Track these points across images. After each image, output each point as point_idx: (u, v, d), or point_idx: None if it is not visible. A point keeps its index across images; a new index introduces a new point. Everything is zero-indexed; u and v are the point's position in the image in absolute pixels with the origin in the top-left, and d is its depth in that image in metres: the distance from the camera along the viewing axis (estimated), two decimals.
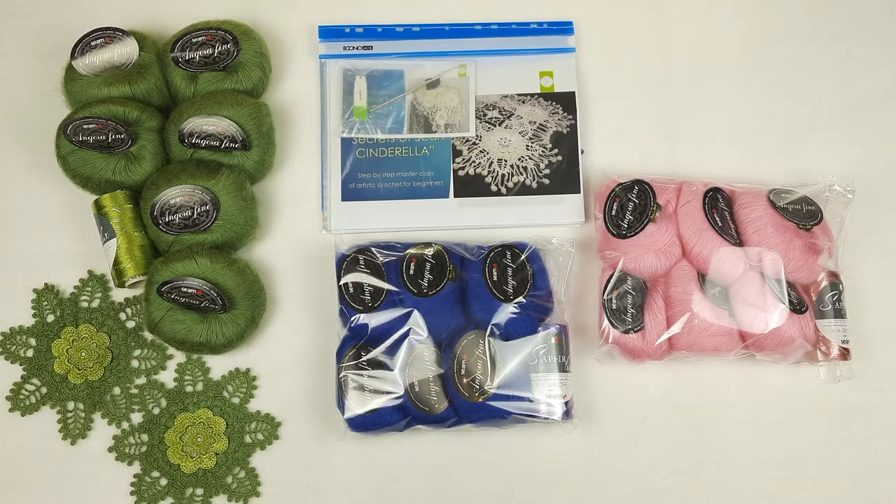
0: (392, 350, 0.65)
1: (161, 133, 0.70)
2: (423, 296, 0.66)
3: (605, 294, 0.67)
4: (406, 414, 0.65)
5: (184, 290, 0.64)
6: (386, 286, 0.67)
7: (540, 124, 0.75)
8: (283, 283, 0.72)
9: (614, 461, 0.69)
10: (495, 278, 0.67)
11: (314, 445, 0.68)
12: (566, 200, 0.73)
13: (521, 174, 0.73)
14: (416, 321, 0.66)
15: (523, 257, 0.68)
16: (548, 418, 0.65)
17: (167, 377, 0.69)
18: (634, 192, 0.69)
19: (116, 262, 0.68)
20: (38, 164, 0.72)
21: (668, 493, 0.68)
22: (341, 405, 0.65)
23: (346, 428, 0.65)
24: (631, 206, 0.68)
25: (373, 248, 0.68)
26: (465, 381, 0.65)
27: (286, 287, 0.72)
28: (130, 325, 0.70)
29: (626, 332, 0.66)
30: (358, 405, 0.64)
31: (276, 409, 0.69)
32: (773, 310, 0.66)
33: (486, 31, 0.77)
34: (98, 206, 0.68)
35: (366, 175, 0.73)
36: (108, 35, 0.70)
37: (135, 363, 0.70)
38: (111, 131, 0.67)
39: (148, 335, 0.70)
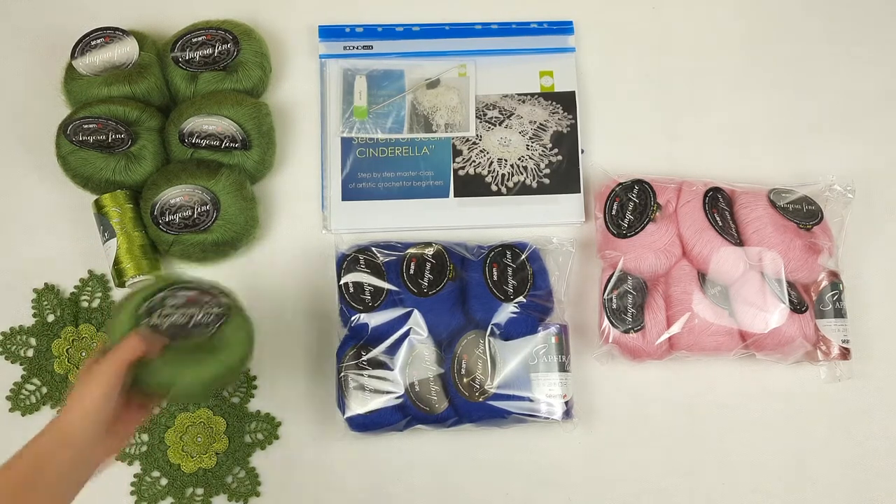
0: (392, 350, 0.65)
1: (161, 133, 0.70)
2: (423, 295, 0.66)
3: (606, 294, 0.67)
4: (406, 414, 0.65)
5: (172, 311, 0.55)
6: (386, 286, 0.67)
7: (540, 124, 0.75)
8: (283, 283, 0.72)
9: (614, 461, 0.69)
10: (495, 278, 0.67)
11: (314, 445, 0.68)
12: (566, 200, 0.73)
13: (522, 174, 0.73)
14: (417, 321, 0.66)
15: (523, 257, 0.68)
16: (548, 418, 0.65)
17: None
18: (634, 191, 0.69)
19: (117, 262, 0.68)
20: (39, 164, 0.72)
21: (667, 492, 0.68)
22: (341, 405, 0.65)
23: (347, 428, 0.65)
24: (631, 206, 0.68)
25: (373, 248, 0.68)
26: (465, 380, 0.65)
27: (286, 287, 0.71)
28: None
29: (627, 331, 0.66)
30: (358, 405, 0.64)
31: (275, 409, 0.69)
32: (773, 309, 0.65)
33: (486, 30, 0.77)
34: (98, 206, 0.68)
35: (366, 175, 0.73)
36: (109, 35, 0.70)
37: None
38: (111, 131, 0.67)
39: None
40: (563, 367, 0.65)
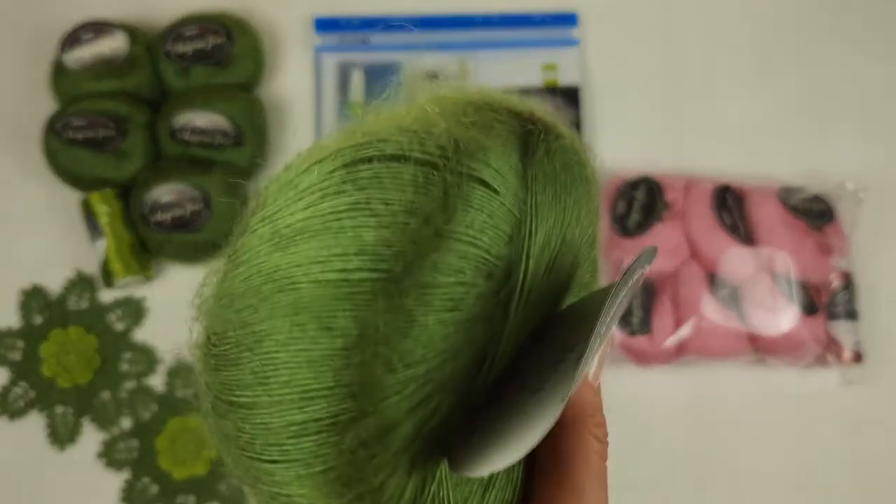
0: None
1: (152, 129, 0.68)
2: None
3: None
4: None
5: None
6: None
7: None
8: None
9: (619, 467, 0.67)
10: None
11: None
12: None
13: None
14: None
15: None
16: None
17: (158, 381, 0.68)
18: (641, 189, 0.67)
19: (105, 262, 0.66)
20: (25, 162, 0.71)
21: (673, 499, 0.67)
22: None
23: None
24: (638, 205, 0.67)
25: None
26: None
27: None
28: (119, 327, 0.69)
29: (633, 334, 0.64)
30: None
31: None
32: (783, 311, 0.64)
33: (487, 22, 0.75)
34: (86, 205, 0.67)
35: None
36: (97, 28, 0.69)
37: (125, 366, 0.68)
38: (100, 127, 0.65)
39: (137, 338, 0.68)
40: None
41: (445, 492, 0.19)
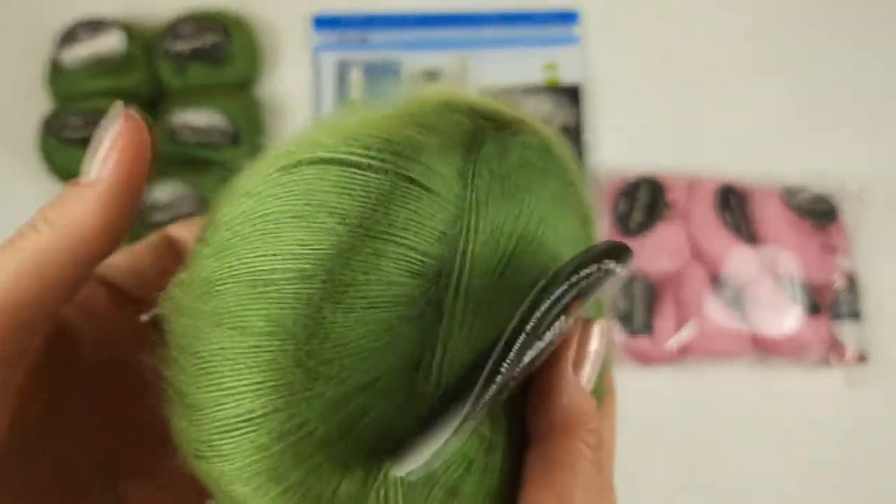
0: None
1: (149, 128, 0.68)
2: None
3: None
4: None
5: None
6: None
7: (545, 118, 0.72)
8: None
9: (621, 468, 0.67)
10: None
11: None
12: None
13: None
14: None
15: None
16: None
17: None
18: (643, 189, 0.67)
19: None
20: (23, 162, 0.70)
21: (676, 500, 0.66)
22: None
23: None
24: (640, 205, 0.67)
25: None
26: None
27: None
28: None
29: (635, 335, 0.64)
30: None
31: None
32: (787, 312, 0.64)
33: (487, 20, 0.75)
34: None
35: None
36: (94, 27, 0.68)
37: None
38: (97, 127, 0.65)
39: None
40: None
41: (394, 494, 0.19)
